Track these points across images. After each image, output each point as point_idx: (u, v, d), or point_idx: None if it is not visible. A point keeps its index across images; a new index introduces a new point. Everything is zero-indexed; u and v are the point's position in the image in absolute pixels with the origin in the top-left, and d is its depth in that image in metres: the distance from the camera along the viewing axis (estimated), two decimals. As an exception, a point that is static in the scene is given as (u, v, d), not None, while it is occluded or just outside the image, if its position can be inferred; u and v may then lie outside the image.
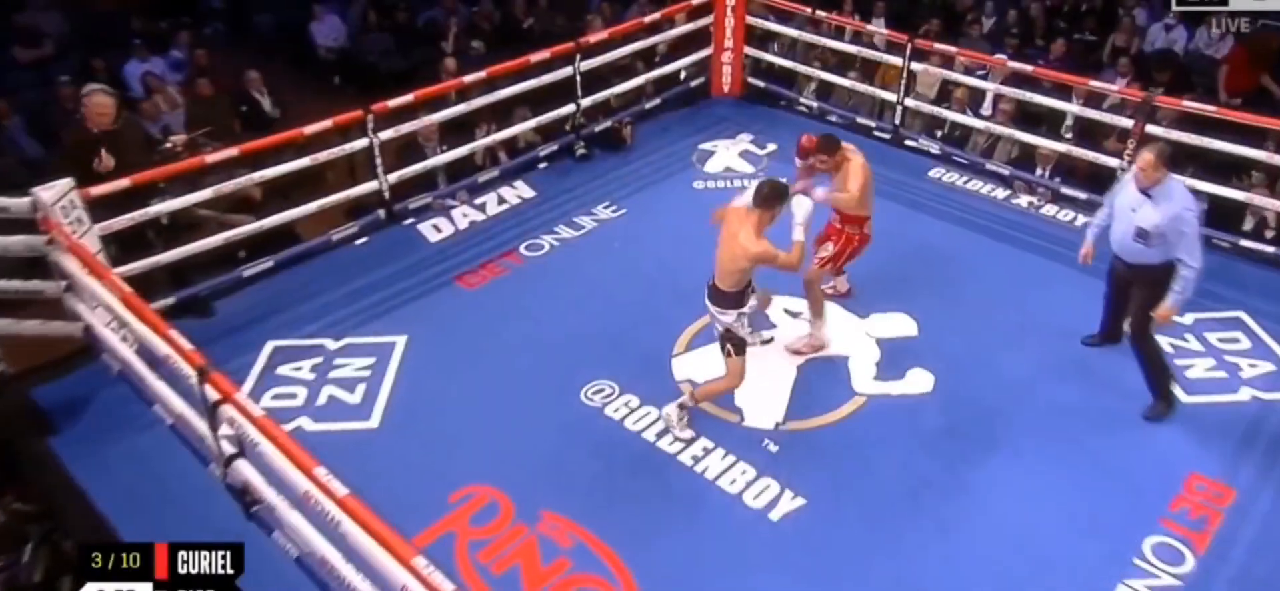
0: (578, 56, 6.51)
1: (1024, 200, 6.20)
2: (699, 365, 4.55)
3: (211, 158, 4.99)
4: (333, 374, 4.55)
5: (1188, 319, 4.85)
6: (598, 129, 6.75)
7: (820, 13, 7.17)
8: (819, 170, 4.44)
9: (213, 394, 3.06)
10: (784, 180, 4.01)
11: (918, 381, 4.51)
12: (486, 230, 5.74)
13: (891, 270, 5.22)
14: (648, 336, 4.77)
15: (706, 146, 6.81)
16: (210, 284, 5.14)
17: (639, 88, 7.26)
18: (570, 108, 6.66)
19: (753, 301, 4.04)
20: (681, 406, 4.15)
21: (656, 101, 7.35)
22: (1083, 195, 6.07)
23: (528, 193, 6.19)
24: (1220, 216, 5.62)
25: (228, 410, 3.04)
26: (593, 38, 6.74)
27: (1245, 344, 4.72)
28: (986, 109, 6.96)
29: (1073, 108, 6.23)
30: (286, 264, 5.32)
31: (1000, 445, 4.18)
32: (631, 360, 4.62)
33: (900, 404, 4.39)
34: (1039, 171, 6.23)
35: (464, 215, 5.92)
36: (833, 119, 7.51)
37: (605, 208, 5.95)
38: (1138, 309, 4.02)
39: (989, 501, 3.82)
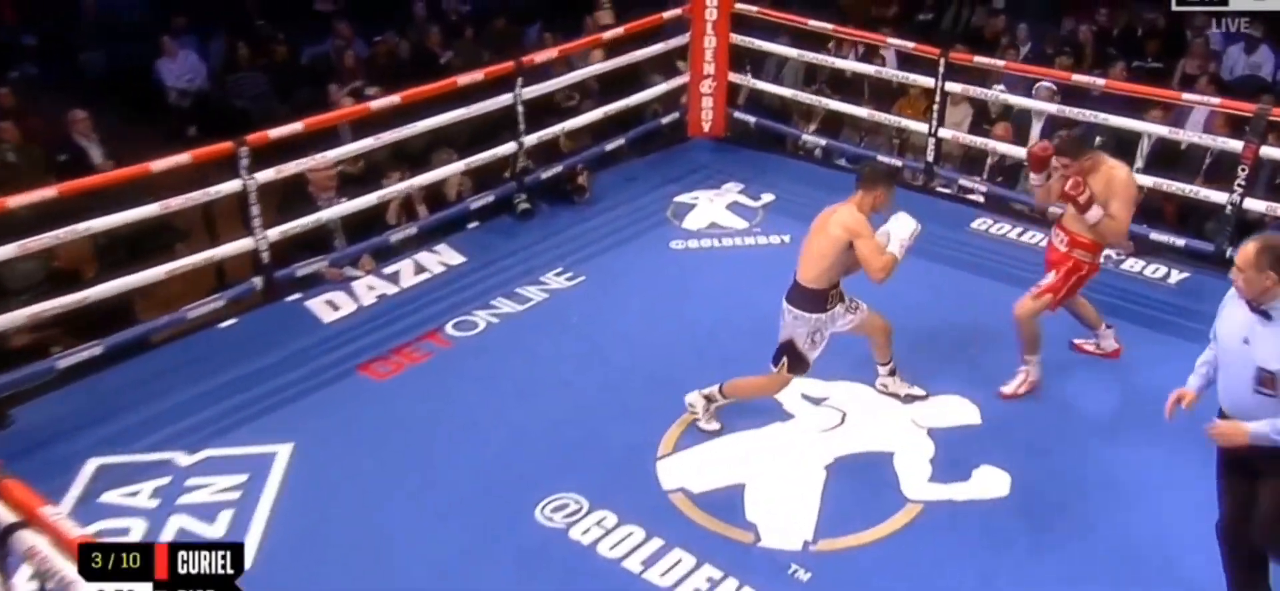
0: (519, 80, 6.28)
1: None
2: (696, 469, 4.35)
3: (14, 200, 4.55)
4: (185, 499, 4.14)
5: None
6: (545, 176, 6.63)
7: (820, 25, 7.08)
8: (1062, 187, 4.49)
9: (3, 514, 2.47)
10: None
11: (989, 482, 4.27)
12: (401, 305, 5.57)
13: (940, 344, 5.05)
14: (621, 435, 4.53)
15: (685, 198, 6.79)
16: (8, 380, 4.64)
17: (597, 125, 7.13)
18: (510, 147, 6.42)
19: (841, 313, 4.35)
20: (708, 398, 4.47)
21: (620, 142, 7.27)
22: (1177, 242, 5.92)
23: (455, 257, 6.07)
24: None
25: (28, 538, 2.42)
26: (539, 57, 6.54)
27: None
28: (1035, 137, 6.87)
29: (1157, 128, 6.15)
30: (121, 352, 4.99)
31: (1104, 563, 3.84)
32: (602, 466, 4.35)
33: (968, 512, 4.12)
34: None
35: (369, 286, 5.75)
36: (842, 163, 7.51)
37: (558, 274, 5.87)
38: (1273, 509, 3.03)
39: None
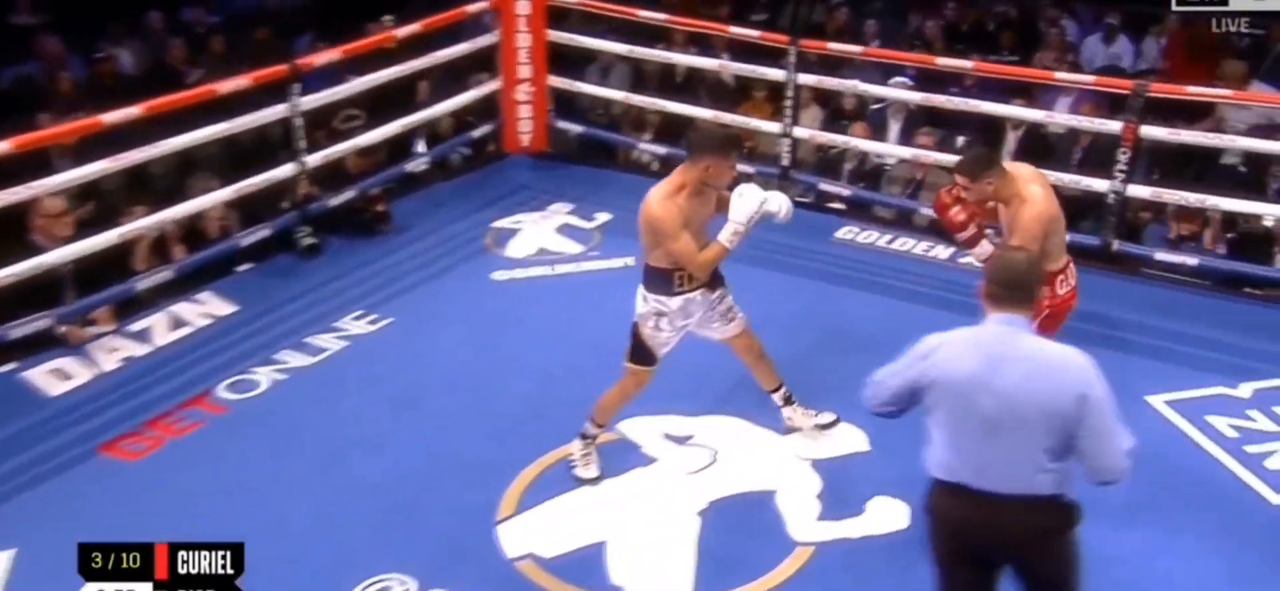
0: (294, 86, 5.99)
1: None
2: (545, 530, 4.22)
3: None
4: None
5: (1245, 391, 5.01)
6: (334, 203, 6.39)
7: (651, 16, 7.14)
8: (970, 212, 4.19)
9: None
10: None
11: (886, 515, 4.27)
12: (155, 367, 5.33)
13: (814, 366, 5.08)
14: (451, 499, 4.37)
15: (505, 223, 6.76)
16: None
17: (395, 141, 6.92)
18: (289, 170, 6.13)
19: (699, 305, 4.27)
20: (584, 437, 4.42)
21: (423, 161, 7.10)
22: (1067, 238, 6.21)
23: (223, 306, 5.86)
24: (1246, 249, 5.99)
25: None
26: (317, 59, 6.27)
27: None
28: (894, 138, 7.13)
29: (1029, 113, 6.46)
30: None
31: None
32: (430, 538, 4.17)
33: (865, 549, 4.11)
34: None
35: (111, 348, 5.43)
36: None
37: (358, 318, 5.71)
38: None
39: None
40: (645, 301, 4.24)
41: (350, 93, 6.61)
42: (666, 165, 7.64)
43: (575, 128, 7.66)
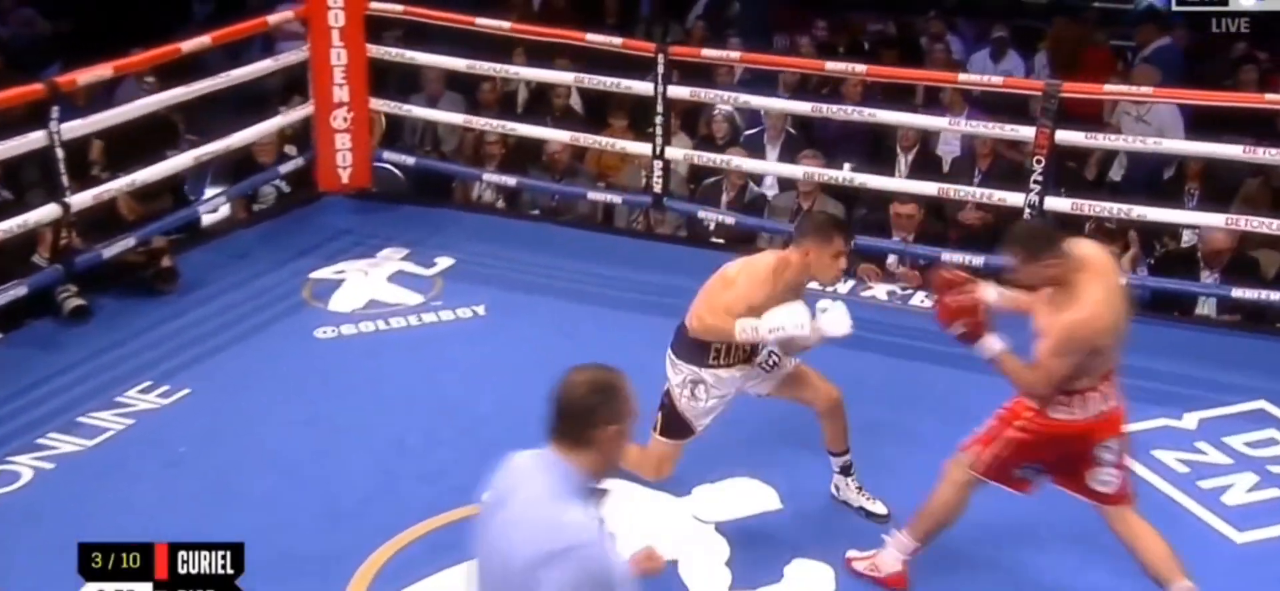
0: (53, 109, 5.75)
1: (880, 290, 6.56)
2: None
3: None
4: None
5: (1190, 421, 5.33)
6: (107, 256, 6.17)
7: (494, 24, 7.16)
8: (1022, 300, 3.95)
9: None
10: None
11: (808, 580, 4.33)
12: None
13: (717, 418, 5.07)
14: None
15: (326, 273, 6.71)
16: None
17: (186, 177, 6.81)
18: (48, 213, 5.90)
19: (744, 374, 4.34)
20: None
21: (219, 205, 6.92)
22: (975, 260, 6.45)
23: None
24: (1169, 269, 6.37)
25: None
26: (82, 77, 6.04)
27: None
28: (774, 157, 7.32)
29: (936, 122, 6.81)
30: None
31: None
32: None
33: None
34: (900, 240, 6.67)
35: None
36: (536, 212, 7.70)
37: (144, 391, 5.54)
38: None
39: None
40: (675, 367, 4.32)
41: (122, 118, 6.36)
42: (512, 202, 7.68)
43: (405, 160, 7.57)
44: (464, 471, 4.72)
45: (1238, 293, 5.87)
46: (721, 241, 7.08)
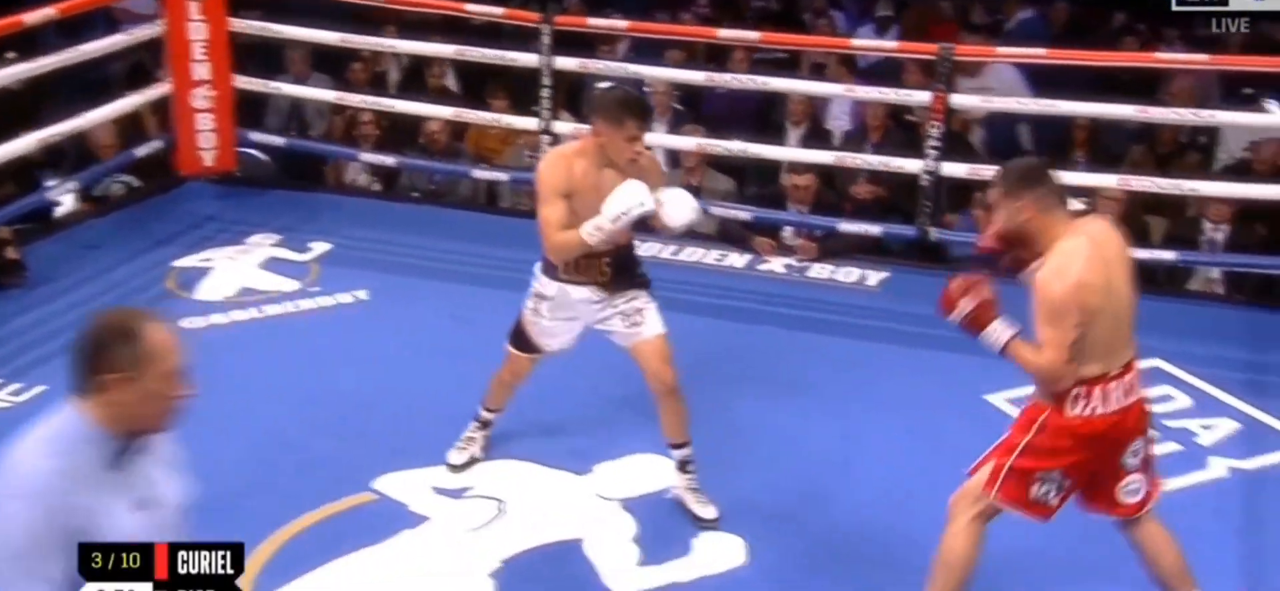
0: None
1: (777, 263, 6.61)
2: None
3: None
4: None
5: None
6: None
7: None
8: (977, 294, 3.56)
9: None
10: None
11: (718, 552, 4.35)
12: None
13: (604, 397, 5.14)
14: None
15: (191, 262, 6.54)
16: None
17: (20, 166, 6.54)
18: None
19: (589, 298, 4.29)
20: (478, 420, 4.73)
21: (66, 194, 6.72)
22: (873, 230, 6.55)
23: None
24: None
25: None
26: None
27: (1183, 401, 5.32)
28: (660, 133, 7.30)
29: (813, 87, 6.90)
30: None
31: None
32: None
33: None
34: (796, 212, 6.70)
35: None
36: (416, 195, 7.58)
37: None
38: None
39: None
40: (535, 278, 4.33)
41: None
42: (389, 185, 7.53)
43: (274, 141, 7.39)
44: (349, 461, 4.78)
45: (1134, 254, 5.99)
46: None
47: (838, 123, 7.83)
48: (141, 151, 7.05)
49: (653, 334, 4.29)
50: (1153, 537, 3.71)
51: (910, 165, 6.20)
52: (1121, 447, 3.58)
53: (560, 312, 4.31)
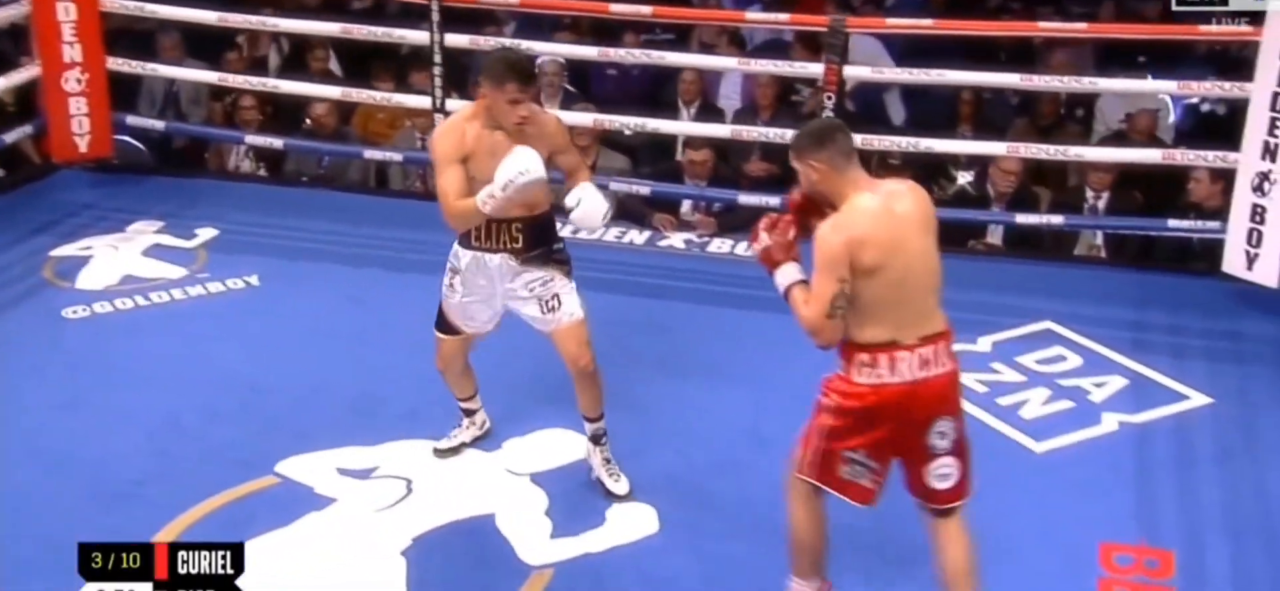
0: None
1: (677, 239, 6.77)
2: None
3: None
4: None
5: (984, 345, 5.64)
6: None
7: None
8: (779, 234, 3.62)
9: None
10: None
11: (632, 521, 4.41)
12: None
13: (511, 375, 5.16)
14: (51, 585, 3.87)
15: (68, 250, 6.46)
16: None
17: None
18: None
19: (507, 270, 4.28)
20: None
21: None
22: (770, 201, 6.64)
23: None
24: (961, 201, 6.79)
25: None
26: None
27: (1075, 360, 5.53)
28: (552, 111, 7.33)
29: (706, 61, 7.01)
30: None
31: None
32: None
33: (614, 562, 4.24)
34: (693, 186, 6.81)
35: None
36: (304, 180, 7.53)
37: None
38: None
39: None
40: (452, 254, 4.33)
41: None
42: (274, 170, 7.46)
43: (154, 125, 7.29)
44: (249, 446, 4.79)
45: (1021, 219, 6.29)
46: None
47: (728, 101, 7.94)
48: (10, 136, 6.87)
49: (570, 319, 4.29)
50: (952, 536, 3.64)
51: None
52: (922, 425, 3.49)
53: (476, 285, 4.30)
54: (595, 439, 4.49)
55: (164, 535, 4.23)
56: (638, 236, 6.81)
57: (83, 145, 6.99)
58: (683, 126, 6.90)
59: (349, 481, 4.59)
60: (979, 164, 6.84)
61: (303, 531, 4.32)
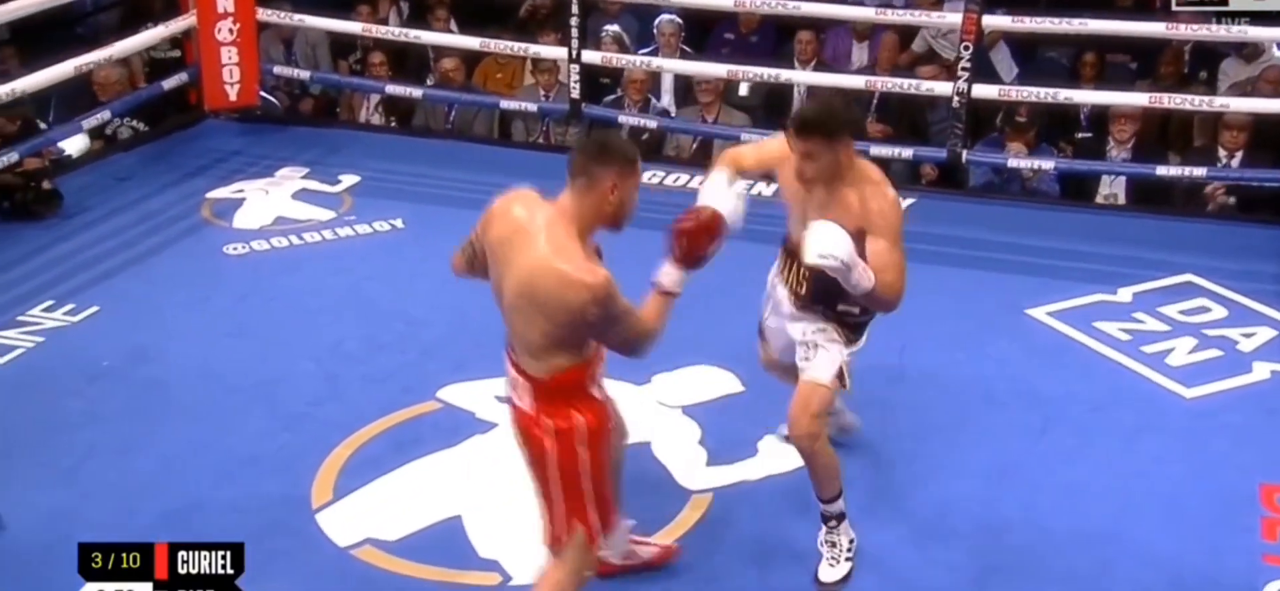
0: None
1: None
2: (379, 512, 4.19)
3: None
4: None
5: (1125, 295, 5.63)
6: None
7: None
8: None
9: None
10: None
11: (785, 452, 4.43)
12: None
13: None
14: (246, 494, 4.24)
15: (223, 193, 6.67)
16: None
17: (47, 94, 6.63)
18: None
19: (779, 287, 3.99)
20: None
21: (108, 121, 6.88)
22: (904, 153, 6.72)
23: None
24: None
25: None
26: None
27: (1219, 312, 5.51)
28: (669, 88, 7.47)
29: (841, 11, 6.95)
30: None
31: (950, 513, 4.22)
32: (232, 537, 3.77)
33: (770, 490, 4.32)
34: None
35: None
36: (446, 127, 7.69)
37: (48, 310, 5.45)
38: None
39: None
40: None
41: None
42: (404, 121, 7.64)
43: (300, 74, 7.50)
44: (410, 373, 4.92)
45: (1161, 170, 6.31)
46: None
47: (855, 62, 7.96)
48: (170, 83, 7.11)
49: (814, 376, 3.82)
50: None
51: (941, 88, 6.38)
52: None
53: (772, 306, 4.11)
54: (824, 519, 3.94)
55: (340, 452, 4.43)
56: (765, 189, 6.85)
57: (232, 94, 7.21)
58: (825, 78, 6.90)
59: (507, 408, 4.71)
60: (1098, 123, 6.84)
61: (469, 452, 4.46)
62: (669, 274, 3.19)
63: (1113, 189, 6.77)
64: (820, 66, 7.53)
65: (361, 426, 4.54)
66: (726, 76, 6.87)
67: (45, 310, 5.35)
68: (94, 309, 5.39)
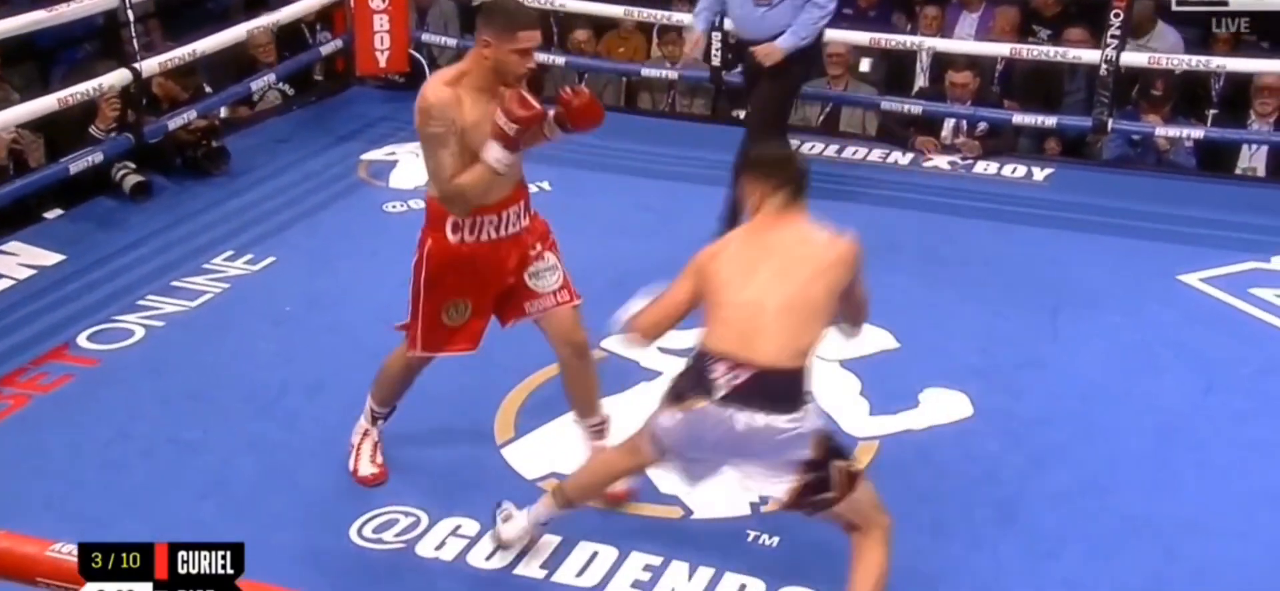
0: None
1: (941, 161, 6.93)
2: (561, 448, 4.34)
3: None
4: None
5: (1278, 264, 5.65)
6: (174, 126, 6.43)
7: None
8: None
9: None
10: None
11: (945, 405, 4.58)
12: None
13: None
14: (431, 431, 4.44)
15: (377, 155, 6.89)
16: None
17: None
18: (119, 78, 6.01)
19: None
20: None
21: (267, 86, 7.17)
22: (1047, 121, 6.79)
23: (45, 256, 5.79)
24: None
25: None
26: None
27: None
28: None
29: None
30: None
31: (1121, 460, 4.30)
32: (422, 471, 4.23)
33: (936, 439, 4.42)
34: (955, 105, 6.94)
35: None
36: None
37: (231, 259, 5.72)
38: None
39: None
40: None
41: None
42: (533, 89, 7.73)
43: (446, 41, 7.69)
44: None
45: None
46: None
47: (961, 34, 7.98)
48: (326, 49, 7.36)
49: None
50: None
51: (1088, 55, 6.42)
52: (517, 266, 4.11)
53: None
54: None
55: (517, 393, 4.60)
56: (902, 158, 6.97)
57: (382, 60, 7.44)
58: (959, 45, 7.00)
59: (670, 358, 4.74)
60: (1229, 103, 6.83)
61: (638, 398, 4.58)
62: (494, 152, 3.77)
63: (1252, 162, 6.75)
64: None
65: (533, 372, 4.69)
66: (867, 44, 6.96)
67: (226, 259, 5.62)
68: (271, 259, 5.64)
